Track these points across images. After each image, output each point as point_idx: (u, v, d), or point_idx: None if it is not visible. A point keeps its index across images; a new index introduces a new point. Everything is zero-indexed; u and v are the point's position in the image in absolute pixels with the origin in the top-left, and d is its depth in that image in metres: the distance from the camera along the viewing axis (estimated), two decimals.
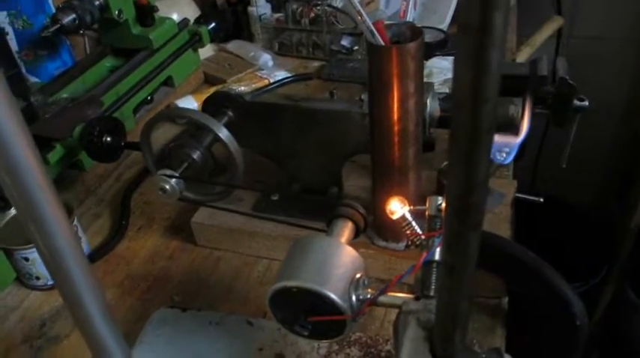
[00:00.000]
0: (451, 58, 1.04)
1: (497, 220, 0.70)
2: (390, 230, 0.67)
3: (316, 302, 0.44)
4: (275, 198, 0.76)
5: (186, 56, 1.09)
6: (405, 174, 0.62)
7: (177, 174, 0.59)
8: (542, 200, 1.05)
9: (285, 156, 0.73)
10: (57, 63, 0.99)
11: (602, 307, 1.62)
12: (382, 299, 0.45)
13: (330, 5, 1.14)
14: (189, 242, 0.77)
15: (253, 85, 1.10)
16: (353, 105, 0.68)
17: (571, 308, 0.55)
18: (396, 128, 0.58)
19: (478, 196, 0.32)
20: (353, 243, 0.52)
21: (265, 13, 1.24)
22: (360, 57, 1.18)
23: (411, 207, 0.49)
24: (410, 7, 1.23)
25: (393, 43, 0.56)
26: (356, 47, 1.18)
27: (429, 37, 1.16)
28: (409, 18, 1.24)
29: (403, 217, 0.49)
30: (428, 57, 1.06)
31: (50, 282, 0.72)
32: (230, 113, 0.71)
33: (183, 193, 0.66)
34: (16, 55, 0.93)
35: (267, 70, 1.17)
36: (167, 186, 0.58)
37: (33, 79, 0.97)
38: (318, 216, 0.60)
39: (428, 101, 0.66)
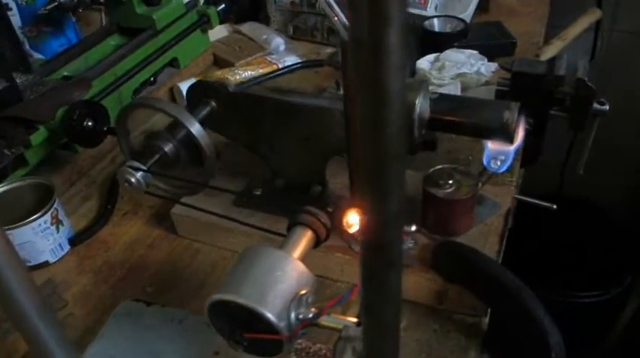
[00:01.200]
0: (468, 51, 0.98)
1: (486, 232, 0.65)
2: None
3: (252, 319, 0.42)
4: (257, 192, 0.73)
5: (193, 37, 1.06)
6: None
7: (144, 168, 0.57)
8: (555, 207, 0.99)
9: (268, 150, 0.70)
10: (61, 40, 0.99)
11: (625, 319, 1.54)
12: (323, 321, 0.42)
13: None
14: (172, 232, 0.76)
15: (261, 70, 1.07)
16: (337, 101, 0.64)
17: (547, 338, 0.51)
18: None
19: (392, 232, 0.28)
20: (330, 246, 0.49)
21: None
22: None
23: None
24: None
25: None
26: None
27: (448, 26, 1.11)
28: (431, 6, 1.17)
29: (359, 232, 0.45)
30: (444, 48, 1.01)
31: (30, 263, 0.72)
32: (213, 103, 0.68)
33: (157, 185, 0.64)
34: (19, 31, 0.93)
35: (277, 55, 1.13)
36: (132, 180, 0.57)
37: (37, 56, 0.97)
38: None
39: (417, 101, 0.61)
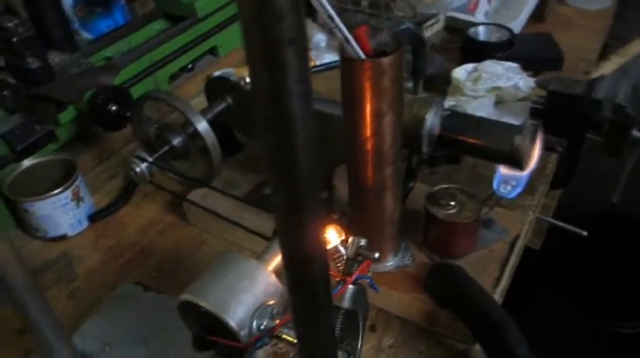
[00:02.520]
0: (508, 64, 0.94)
1: (488, 258, 0.63)
2: (381, 251, 0.62)
3: (215, 323, 0.43)
4: (267, 191, 0.74)
5: (236, 28, 1.07)
6: (380, 195, 0.57)
7: (149, 159, 0.59)
8: (585, 233, 0.95)
9: None
10: (109, 21, 1.02)
11: None
12: (284, 334, 0.42)
13: None
14: (183, 219, 0.78)
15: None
16: None
17: None
18: (368, 146, 0.53)
19: (317, 273, 0.28)
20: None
21: None
22: None
23: (350, 239, 0.45)
24: None
25: (378, 53, 0.51)
26: None
27: (494, 35, 1.07)
28: (481, 12, 1.14)
29: (336, 248, 0.45)
30: (486, 58, 0.98)
31: (49, 235, 0.76)
32: (229, 99, 0.69)
33: (168, 174, 0.66)
34: (70, 10, 0.97)
35: (317, 51, 1.13)
36: (137, 169, 0.59)
37: (85, 35, 1.01)
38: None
39: (428, 117, 0.60)
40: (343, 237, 0.45)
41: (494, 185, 0.62)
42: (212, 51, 1.07)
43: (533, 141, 0.58)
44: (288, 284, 0.28)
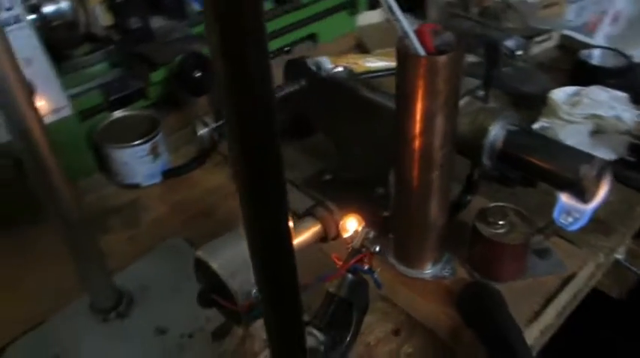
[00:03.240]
0: (615, 92, 0.87)
1: (532, 289, 0.59)
2: (411, 255, 0.61)
3: (220, 284, 0.44)
4: (327, 177, 0.75)
5: (337, 17, 1.09)
6: (423, 198, 0.56)
7: (212, 125, 0.62)
8: None
9: (340, 142, 0.70)
10: None
11: None
12: None
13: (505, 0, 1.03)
14: None
15: (393, 63, 1.06)
16: None
17: None
18: (415, 145, 0.52)
19: (276, 240, 0.28)
20: None
21: None
22: (520, 64, 1.05)
23: (359, 229, 0.44)
24: (606, 20, 1.05)
25: (439, 52, 0.49)
26: (519, 52, 1.05)
27: (610, 61, 0.99)
28: (600, 34, 1.05)
29: (352, 237, 0.45)
30: (593, 83, 0.90)
31: (125, 181, 0.82)
32: (303, 82, 0.71)
33: None
34: None
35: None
36: (199, 132, 0.62)
37: (195, 6, 1.07)
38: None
39: (492, 128, 0.57)
40: (361, 228, 0.45)
41: (555, 213, 0.58)
42: (312, 37, 1.09)
43: (600, 176, 0.53)
44: (251, 254, 0.28)
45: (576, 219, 0.58)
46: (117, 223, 0.77)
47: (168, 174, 0.84)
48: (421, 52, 0.49)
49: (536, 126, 0.88)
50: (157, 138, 0.81)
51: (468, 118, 0.59)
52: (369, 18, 1.19)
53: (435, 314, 0.59)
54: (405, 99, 0.50)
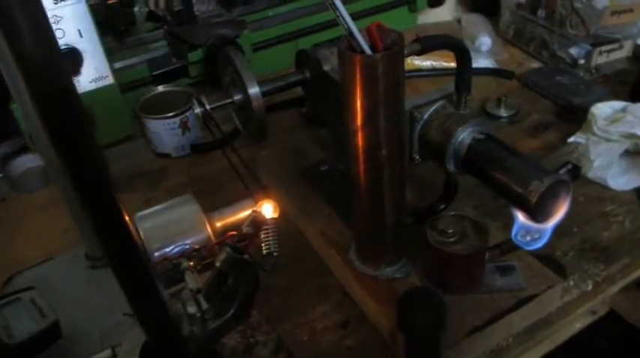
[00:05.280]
0: None
1: (480, 304, 0.57)
2: (365, 252, 0.62)
3: None
4: (323, 168, 0.77)
5: (396, 13, 1.09)
6: (373, 198, 0.56)
7: (207, 106, 0.67)
8: None
9: (335, 134, 0.72)
10: None
11: None
12: (187, 275, 0.47)
13: (570, 4, 0.96)
14: None
15: (443, 63, 1.04)
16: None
17: None
18: (358, 140, 0.52)
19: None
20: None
21: None
22: (581, 73, 0.97)
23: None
24: None
25: (387, 50, 0.50)
26: (582, 61, 0.97)
27: None
28: None
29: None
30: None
31: (157, 150, 0.91)
32: (307, 74, 0.73)
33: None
34: None
35: (474, 53, 1.07)
36: (195, 110, 0.67)
37: None
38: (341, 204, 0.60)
39: (456, 134, 0.56)
40: (275, 216, 0.47)
41: (513, 231, 0.55)
42: None
43: (556, 194, 0.50)
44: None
45: (535, 239, 0.54)
46: (140, 185, 0.86)
47: (195, 148, 0.91)
48: (367, 49, 0.49)
49: (570, 139, 0.83)
50: (188, 113, 0.88)
51: (436, 122, 0.58)
52: (431, 16, 1.17)
53: (378, 312, 0.59)
54: (346, 94, 0.51)
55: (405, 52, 0.51)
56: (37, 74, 0.27)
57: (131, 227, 0.34)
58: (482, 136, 0.56)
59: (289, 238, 0.70)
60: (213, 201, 0.80)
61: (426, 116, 0.59)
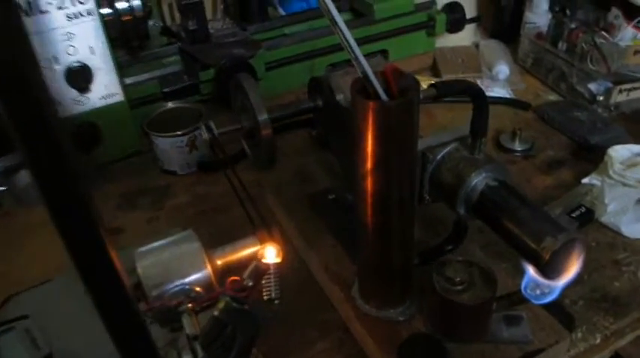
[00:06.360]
0: None
1: (483, 354, 0.55)
2: (369, 292, 0.60)
3: None
4: (331, 197, 0.75)
5: (414, 36, 1.07)
6: (379, 241, 0.54)
7: (214, 132, 0.66)
8: None
9: (344, 163, 0.71)
10: (302, 3, 1.11)
11: None
12: (184, 318, 0.45)
13: (592, 40, 0.94)
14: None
15: None
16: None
17: None
18: (366, 184, 0.51)
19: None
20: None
21: (535, 23, 1.09)
22: (599, 110, 0.95)
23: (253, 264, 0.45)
24: None
25: (401, 94, 0.48)
26: (601, 97, 0.95)
27: None
28: None
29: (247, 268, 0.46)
30: None
31: (164, 167, 0.90)
32: (319, 102, 0.72)
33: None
34: None
35: (490, 81, 1.06)
36: (202, 135, 0.66)
37: (280, 11, 1.12)
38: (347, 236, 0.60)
39: (469, 179, 0.54)
40: (278, 260, 0.46)
41: (522, 283, 0.53)
42: (384, 53, 1.08)
43: (569, 252, 0.48)
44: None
45: (544, 294, 0.53)
46: (144, 203, 0.85)
47: (202, 167, 0.90)
48: (382, 94, 0.48)
49: (585, 180, 0.81)
50: (197, 132, 0.87)
51: (449, 164, 0.57)
52: (449, 40, 1.15)
53: (379, 356, 0.57)
54: (358, 138, 0.49)
55: (421, 97, 0.49)
56: None
57: (120, 267, 0.32)
58: (495, 183, 0.55)
59: (291, 268, 0.69)
60: (216, 223, 0.79)
61: (438, 157, 0.58)
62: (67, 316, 0.61)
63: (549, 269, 0.49)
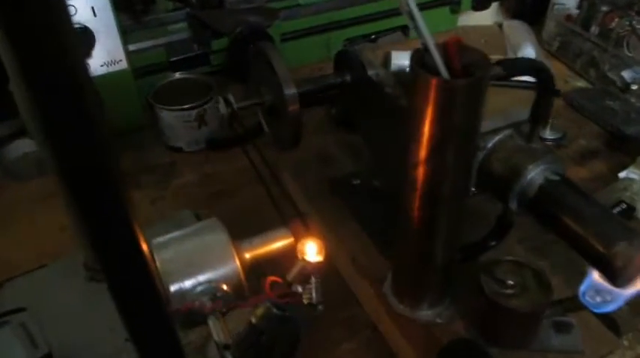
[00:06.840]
0: None
1: None
2: (404, 291, 0.55)
3: None
4: (355, 182, 0.69)
5: (436, 13, 1.01)
6: (424, 236, 0.49)
7: (234, 105, 0.59)
8: None
9: (373, 146, 0.65)
10: None
11: None
12: (210, 321, 0.39)
13: (630, 24, 0.88)
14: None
15: None
16: None
17: None
18: (418, 173, 0.45)
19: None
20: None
21: (564, 4, 1.03)
22: (633, 99, 0.90)
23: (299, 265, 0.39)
24: None
25: (464, 70, 0.42)
26: (635, 86, 0.90)
27: None
28: None
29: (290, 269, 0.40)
30: None
31: (169, 143, 0.83)
32: (347, 77, 0.65)
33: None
34: None
35: None
36: (220, 108, 0.59)
37: None
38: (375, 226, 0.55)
39: (526, 171, 0.48)
40: (320, 258, 0.40)
41: (581, 288, 0.48)
42: (404, 30, 1.02)
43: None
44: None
45: (606, 302, 0.47)
46: (149, 182, 0.78)
47: (211, 144, 0.83)
48: (443, 70, 0.42)
49: (622, 174, 0.76)
50: (207, 106, 0.80)
51: (502, 154, 0.51)
52: (471, 18, 1.09)
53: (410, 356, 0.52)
54: (414, 119, 0.43)
55: None
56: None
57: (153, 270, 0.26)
58: (556, 177, 0.49)
59: None
60: (228, 207, 0.73)
61: (489, 145, 0.52)
62: (66, 306, 0.55)
63: (621, 277, 0.44)
